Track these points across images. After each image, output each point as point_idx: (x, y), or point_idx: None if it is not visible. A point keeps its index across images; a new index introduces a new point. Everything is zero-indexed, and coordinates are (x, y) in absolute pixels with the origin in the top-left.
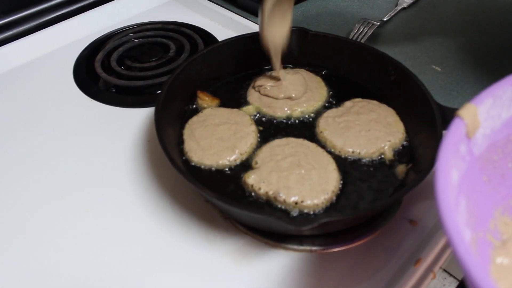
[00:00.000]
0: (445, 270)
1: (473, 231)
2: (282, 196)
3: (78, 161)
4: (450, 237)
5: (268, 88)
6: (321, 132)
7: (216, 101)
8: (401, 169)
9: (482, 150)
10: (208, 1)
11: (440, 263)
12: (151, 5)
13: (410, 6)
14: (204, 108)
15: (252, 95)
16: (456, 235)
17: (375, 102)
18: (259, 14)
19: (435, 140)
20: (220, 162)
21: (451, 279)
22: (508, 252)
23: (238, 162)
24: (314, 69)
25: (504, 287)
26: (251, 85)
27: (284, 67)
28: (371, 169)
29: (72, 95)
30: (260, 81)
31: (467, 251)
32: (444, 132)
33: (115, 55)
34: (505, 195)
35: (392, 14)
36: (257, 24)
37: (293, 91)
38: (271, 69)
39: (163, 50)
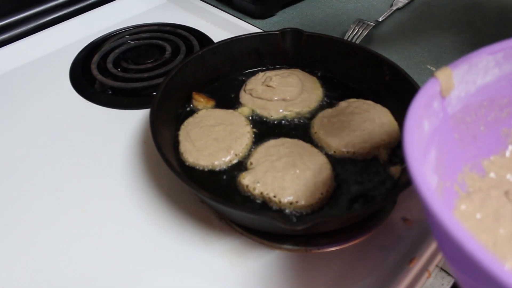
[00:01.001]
0: (443, 269)
1: (440, 179)
2: (277, 196)
3: (74, 162)
4: (412, 172)
5: (260, 92)
6: (315, 132)
7: (212, 102)
8: (395, 168)
9: (456, 111)
10: (204, 3)
11: (435, 262)
12: (147, 7)
13: (405, 6)
14: (199, 109)
15: (244, 97)
16: (418, 172)
17: (370, 102)
18: None
19: None
20: (216, 162)
21: (450, 278)
22: (472, 201)
23: (233, 162)
24: (309, 70)
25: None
26: (242, 87)
27: (279, 68)
28: (366, 169)
29: (68, 97)
30: (250, 85)
31: (429, 186)
32: None
33: (111, 57)
34: (475, 155)
35: (387, 15)
36: (253, 25)
37: (287, 93)
38: (263, 70)
39: (159, 52)
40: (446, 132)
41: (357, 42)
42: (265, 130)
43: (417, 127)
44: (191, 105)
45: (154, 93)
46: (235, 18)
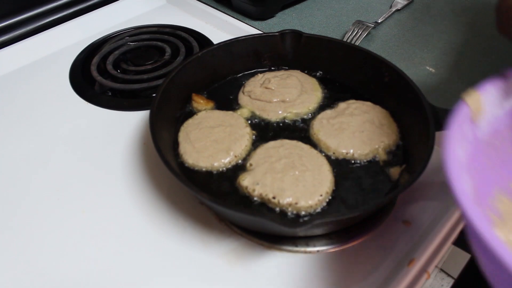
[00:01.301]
0: (442, 270)
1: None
2: (277, 197)
3: (74, 163)
4: (455, 192)
5: (258, 93)
6: (315, 133)
7: (211, 104)
8: (395, 170)
9: (485, 135)
10: (204, 4)
11: (434, 263)
12: (147, 8)
13: (404, 7)
14: (199, 110)
15: (243, 98)
16: (460, 188)
17: (369, 103)
18: None
19: (428, 141)
20: (215, 164)
21: (449, 279)
22: (509, 229)
23: (232, 164)
24: (309, 71)
25: None
26: (241, 89)
27: (279, 70)
28: (365, 170)
29: (68, 99)
30: (249, 87)
31: (472, 204)
32: (437, 133)
33: (111, 59)
34: (504, 179)
35: (386, 16)
36: (252, 26)
37: (287, 95)
38: (262, 71)
39: (159, 53)
40: (477, 157)
41: (357, 43)
42: (264, 131)
43: (454, 154)
44: (191, 107)
45: (154, 95)
46: (234, 19)
